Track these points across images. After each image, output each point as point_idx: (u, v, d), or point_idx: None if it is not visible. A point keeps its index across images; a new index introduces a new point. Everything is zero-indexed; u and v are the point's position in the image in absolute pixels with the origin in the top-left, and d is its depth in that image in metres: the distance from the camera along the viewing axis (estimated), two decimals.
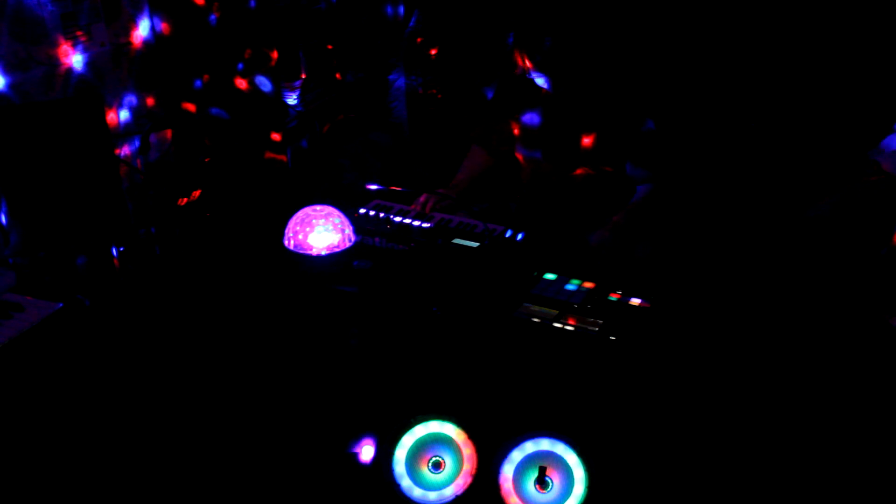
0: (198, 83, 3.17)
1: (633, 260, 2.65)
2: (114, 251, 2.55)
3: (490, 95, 3.35)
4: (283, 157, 3.16)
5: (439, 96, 3.58)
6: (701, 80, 3.24)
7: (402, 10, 3.57)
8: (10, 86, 2.58)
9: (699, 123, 3.26)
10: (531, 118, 2.75)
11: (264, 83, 3.04)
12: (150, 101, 3.17)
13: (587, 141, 2.64)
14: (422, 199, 2.68)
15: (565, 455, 1.97)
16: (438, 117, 3.62)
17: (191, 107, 3.20)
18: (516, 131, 2.78)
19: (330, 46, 3.30)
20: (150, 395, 2.48)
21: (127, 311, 2.70)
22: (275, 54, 3.06)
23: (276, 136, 3.12)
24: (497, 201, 2.78)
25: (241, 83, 3.07)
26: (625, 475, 2.07)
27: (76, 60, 2.79)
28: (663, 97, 3.19)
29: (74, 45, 2.78)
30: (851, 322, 2.56)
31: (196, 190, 2.88)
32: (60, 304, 2.15)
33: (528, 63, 2.54)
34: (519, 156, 2.82)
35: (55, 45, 2.70)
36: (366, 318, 2.35)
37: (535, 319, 2.12)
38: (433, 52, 3.51)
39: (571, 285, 2.27)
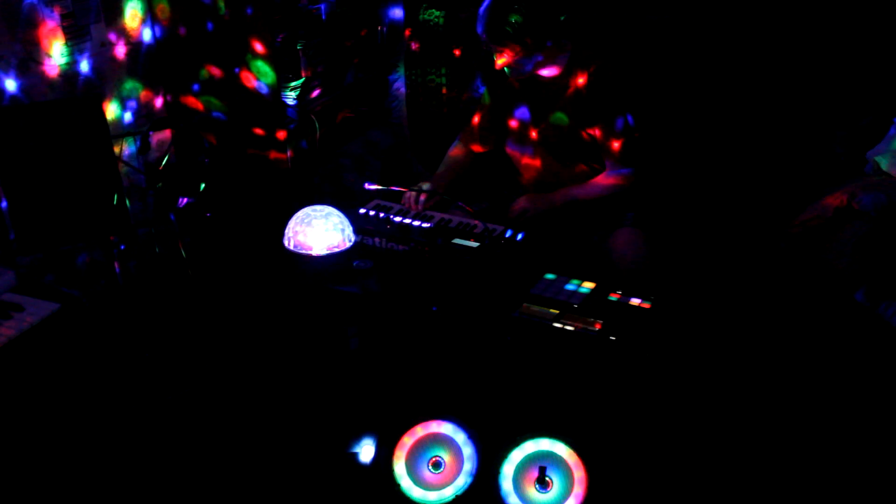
0: (196, 86, 3.17)
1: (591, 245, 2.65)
2: (114, 251, 2.55)
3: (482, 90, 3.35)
4: (284, 157, 3.16)
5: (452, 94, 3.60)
6: (697, 78, 3.24)
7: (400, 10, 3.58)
8: (20, 88, 2.62)
9: (696, 122, 3.26)
10: (522, 113, 2.74)
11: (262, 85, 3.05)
12: (150, 101, 3.18)
13: (586, 136, 2.63)
14: (409, 195, 2.68)
15: (565, 455, 1.97)
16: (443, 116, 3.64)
17: (192, 105, 3.20)
18: (512, 125, 2.77)
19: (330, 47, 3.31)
20: (150, 396, 2.48)
21: (127, 311, 2.70)
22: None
23: (280, 135, 3.13)
24: (497, 201, 2.78)
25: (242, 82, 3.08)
26: (624, 475, 2.07)
27: (76, 60, 2.80)
28: (661, 94, 3.19)
29: (75, 45, 2.78)
30: (848, 319, 2.56)
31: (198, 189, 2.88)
32: (59, 305, 2.14)
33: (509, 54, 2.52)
34: (514, 153, 2.81)
35: (55, 43, 2.71)
36: (366, 319, 2.35)
37: (536, 319, 2.12)
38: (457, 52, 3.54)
39: (571, 285, 2.27)
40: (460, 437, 2.03)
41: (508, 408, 2.15)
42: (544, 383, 2.15)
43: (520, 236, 2.43)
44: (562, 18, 2.50)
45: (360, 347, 2.37)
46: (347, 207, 2.48)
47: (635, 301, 2.19)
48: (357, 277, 2.31)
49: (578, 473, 1.95)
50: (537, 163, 2.74)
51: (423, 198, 2.65)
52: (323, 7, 3.20)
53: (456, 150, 2.93)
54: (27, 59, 2.64)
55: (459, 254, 2.36)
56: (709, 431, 2.30)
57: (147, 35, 3.10)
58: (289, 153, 3.16)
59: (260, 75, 3.04)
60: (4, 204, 2.40)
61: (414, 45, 3.60)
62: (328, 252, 2.31)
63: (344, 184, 3.36)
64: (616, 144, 2.58)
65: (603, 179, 2.66)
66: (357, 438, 2.24)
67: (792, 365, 2.52)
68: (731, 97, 3.22)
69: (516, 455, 1.99)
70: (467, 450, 2.02)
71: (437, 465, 2.02)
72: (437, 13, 3.50)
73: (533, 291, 2.23)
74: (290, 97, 3.11)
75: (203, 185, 2.90)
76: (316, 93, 3.26)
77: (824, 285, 2.64)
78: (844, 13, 3.05)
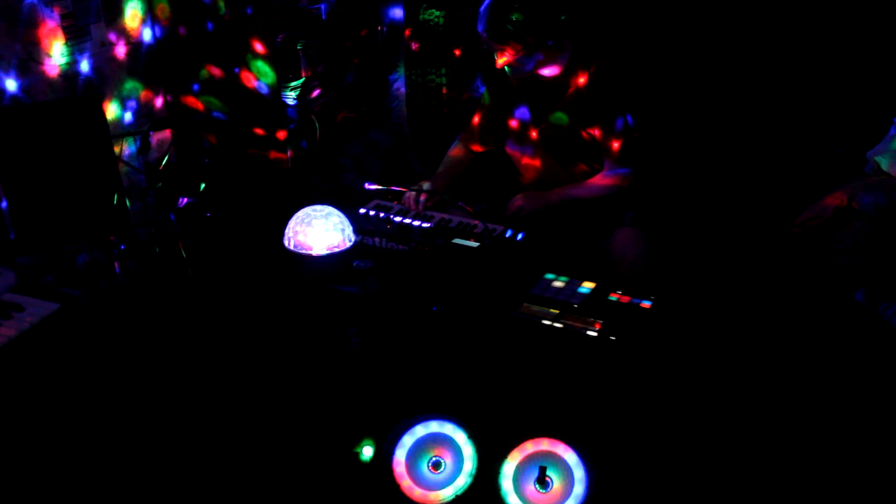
0: (196, 86, 3.18)
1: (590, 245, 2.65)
2: (114, 251, 2.55)
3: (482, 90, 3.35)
4: (284, 157, 3.16)
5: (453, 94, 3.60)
6: (697, 78, 3.24)
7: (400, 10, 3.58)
8: (20, 88, 2.61)
9: (696, 122, 3.26)
10: (522, 113, 2.74)
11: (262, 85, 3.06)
12: (150, 101, 3.18)
13: (585, 136, 2.63)
14: (409, 195, 2.68)
15: (565, 455, 1.97)
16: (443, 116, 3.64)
17: (194, 105, 3.20)
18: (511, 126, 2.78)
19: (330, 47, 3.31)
20: (150, 396, 2.48)
21: (127, 311, 2.70)
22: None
23: (280, 135, 3.13)
24: (497, 201, 2.78)
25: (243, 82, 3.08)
26: (625, 475, 2.07)
27: (76, 60, 2.80)
28: (661, 94, 3.19)
29: (75, 45, 2.78)
30: (847, 319, 2.56)
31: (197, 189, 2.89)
32: (59, 305, 2.14)
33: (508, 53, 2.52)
34: (514, 153, 2.81)
35: (55, 43, 2.71)
36: (366, 319, 2.35)
37: (535, 319, 2.12)
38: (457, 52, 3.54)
39: (571, 285, 2.26)
40: (460, 437, 2.03)
41: (508, 408, 2.15)
42: (544, 383, 2.15)
43: (520, 236, 2.43)
44: (562, 18, 2.50)
45: (360, 347, 2.37)
46: (347, 207, 2.47)
47: (636, 301, 2.18)
48: (357, 277, 2.31)
49: (578, 473, 1.95)
50: (537, 163, 2.74)
51: (423, 198, 2.65)
52: (323, 7, 3.20)
53: (456, 150, 2.93)
54: (27, 59, 2.64)
55: (459, 254, 2.36)
56: (709, 431, 2.30)
57: (147, 35, 3.10)
58: (289, 153, 3.16)
59: (260, 75, 3.04)
60: (4, 204, 2.40)
61: (414, 45, 3.60)
62: (328, 252, 2.31)
63: (344, 184, 3.36)
64: (615, 144, 2.58)
65: (601, 179, 2.66)
66: (357, 438, 2.24)
67: (792, 365, 2.52)
68: (731, 97, 3.22)
69: (516, 455, 1.99)
70: (467, 450, 2.02)
71: (437, 465, 2.02)
72: (437, 13, 3.50)
73: (533, 291, 2.23)
74: (290, 97, 3.11)
75: (203, 185, 2.90)
76: (316, 93, 3.26)
77: (824, 285, 2.64)
78: (844, 13, 3.05)
